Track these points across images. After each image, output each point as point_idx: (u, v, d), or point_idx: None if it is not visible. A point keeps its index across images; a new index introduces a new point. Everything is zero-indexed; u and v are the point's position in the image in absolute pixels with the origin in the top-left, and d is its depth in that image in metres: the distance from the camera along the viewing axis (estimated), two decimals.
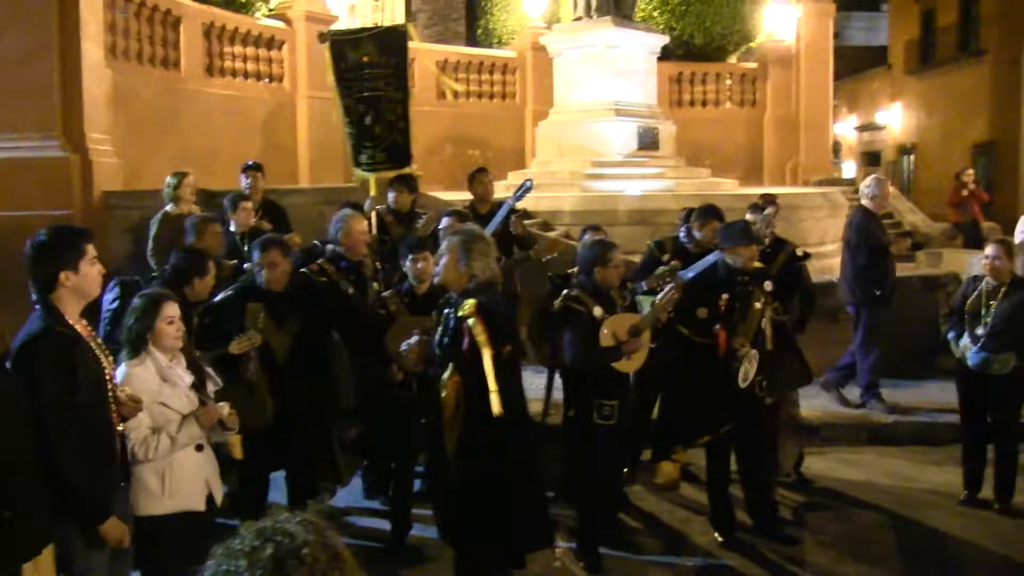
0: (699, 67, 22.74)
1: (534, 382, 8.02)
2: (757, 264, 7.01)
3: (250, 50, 15.89)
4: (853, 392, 9.65)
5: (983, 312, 7.38)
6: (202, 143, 14.15)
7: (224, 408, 4.95)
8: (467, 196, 9.58)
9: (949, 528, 7.18)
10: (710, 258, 7.12)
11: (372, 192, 9.33)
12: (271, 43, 16.38)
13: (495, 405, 4.97)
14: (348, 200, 8.56)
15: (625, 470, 7.69)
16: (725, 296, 6.70)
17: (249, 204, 8.85)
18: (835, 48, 24.67)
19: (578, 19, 17.00)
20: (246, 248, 7.90)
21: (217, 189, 10.10)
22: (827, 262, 13.94)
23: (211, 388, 5.20)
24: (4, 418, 3.95)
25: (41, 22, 10.39)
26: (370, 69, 9.41)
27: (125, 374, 4.73)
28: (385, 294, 6.82)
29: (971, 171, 20.68)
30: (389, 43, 9.51)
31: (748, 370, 6.59)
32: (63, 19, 10.46)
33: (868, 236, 9.37)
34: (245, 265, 7.64)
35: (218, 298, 6.42)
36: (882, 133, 36.52)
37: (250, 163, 9.75)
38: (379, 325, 6.55)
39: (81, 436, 4.27)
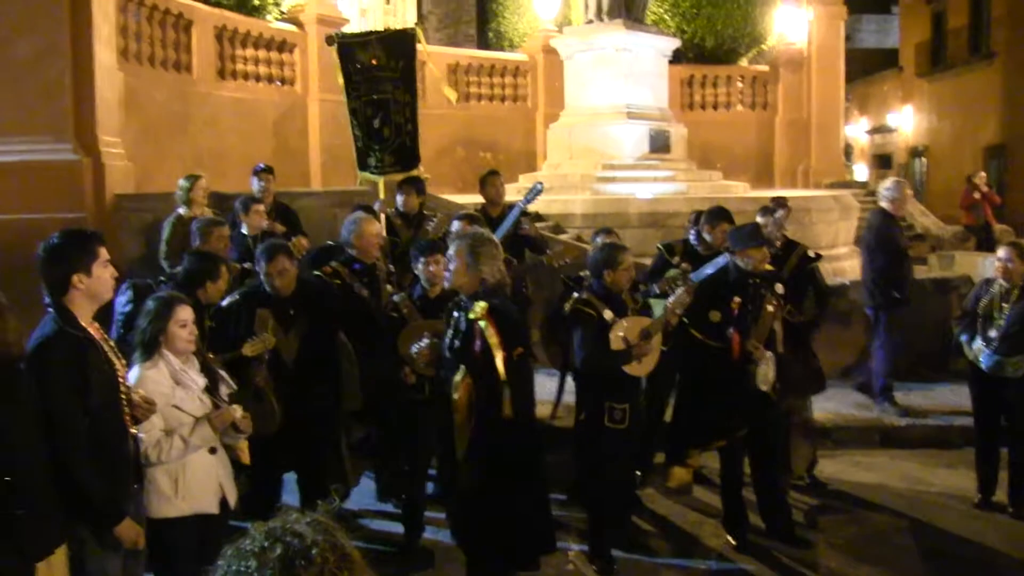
0: (710, 70, 22.74)
1: (546, 385, 8.03)
2: (768, 266, 6.99)
3: (262, 53, 15.92)
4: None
5: (996, 315, 7.36)
6: (214, 146, 14.19)
7: (237, 411, 4.95)
8: (478, 199, 9.58)
9: (962, 531, 7.15)
10: (719, 260, 7.11)
11: (381, 195, 9.33)
12: (283, 46, 16.41)
13: (507, 407, 4.97)
14: (361, 203, 8.56)
15: (637, 473, 7.68)
16: (737, 299, 6.68)
17: (261, 207, 8.86)
18: (846, 51, 24.66)
19: (589, 22, 17.02)
20: None
21: (229, 192, 10.14)
22: (839, 265, 13.94)
23: (224, 391, 5.19)
24: (19, 419, 3.96)
25: (53, 25, 10.41)
26: (378, 72, 9.43)
27: (138, 377, 4.74)
28: (396, 297, 6.81)
29: (983, 174, 20.68)
30: (397, 46, 9.52)
31: (767, 372, 6.58)
32: (75, 22, 10.48)
33: (887, 239, 9.34)
34: (246, 265, 7.65)
35: (224, 303, 6.41)
36: (893, 136, 36.47)
37: (261, 166, 9.77)
38: (391, 327, 6.55)
39: (94, 438, 4.27)
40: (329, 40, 9.79)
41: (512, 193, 10.89)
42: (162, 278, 7.05)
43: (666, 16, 22.20)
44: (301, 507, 6.01)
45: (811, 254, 8.38)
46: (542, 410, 7.50)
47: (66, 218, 9.23)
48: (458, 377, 5.18)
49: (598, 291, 6.40)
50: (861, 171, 38.68)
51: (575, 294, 6.61)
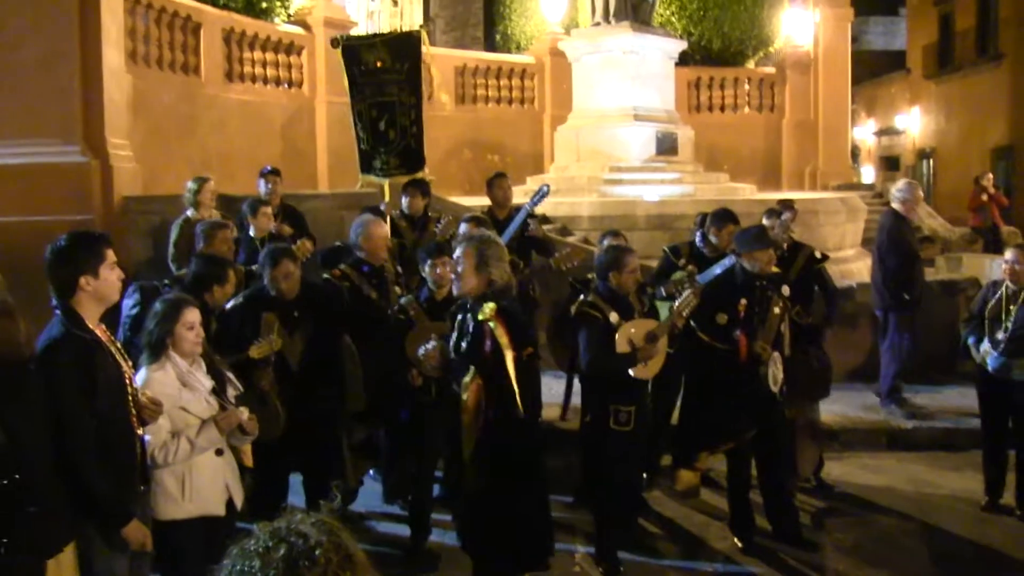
0: (717, 72, 22.70)
1: (552, 387, 8.03)
2: (775, 268, 6.99)
3: (269, 55, 15.93)
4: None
5: (1003, 317, 7.34)
6: (221, 148, 14.21)
7: (244, 412, 4.96)
8: (485, 201, 9.58)
9: (970, 534, 7.14)
10: (726, 262, 7.11)
11: (386, 197, 9.34)
12: (290, 48, 16.41)
13: (519, 406, 4.98)
14: (369, 206, 8.57)
15: (644, 475, 7.67)
16: (744, 301, 6.67)
17: (269, 209, 8.87)
18: (853, 52, 24.61)
19: (596, 25, 17.03)
20: None
21: (236, 194, 10.15)
22: (846, 267, 13.91)
23: (231, 393, 5.20)
24: (29, 418, 3.98)
25: (62, 28, 10.43)
26: (383, 74, 9.43)
27: (145, 378, 4.75)
28: (404, 300, 6.81)
29: (991, 175, 20.61)
30: (402, 48, 9.52)
31: (776, 373, 6.58)
32: (84, 25, 10.49)
33: (899, 240, 9.33)
34: (253, 268, 7.67)
35: (228, 306, 6.41)
36: (901, 138, 36.40)
37: (268, 168, 9.77)
38: (399, 330, 6.56)
39: (101, 440, 4.28)
40: (334, 42, 9.80)
41: (519, 195, 10.90)
42: (167, 281, 7.05)
43: (673, 18, 22.16)
44: (306, 508, 6.02)
45: (818, 255, 8.38)
46: (549, 412, 7.50)
47: (74, 220, 9.23)
48: (467, 378, 5.19)
49: (604, 293, 6.40)
50: (868, 173, 38.61)
51: (581, 296, 6.61)
